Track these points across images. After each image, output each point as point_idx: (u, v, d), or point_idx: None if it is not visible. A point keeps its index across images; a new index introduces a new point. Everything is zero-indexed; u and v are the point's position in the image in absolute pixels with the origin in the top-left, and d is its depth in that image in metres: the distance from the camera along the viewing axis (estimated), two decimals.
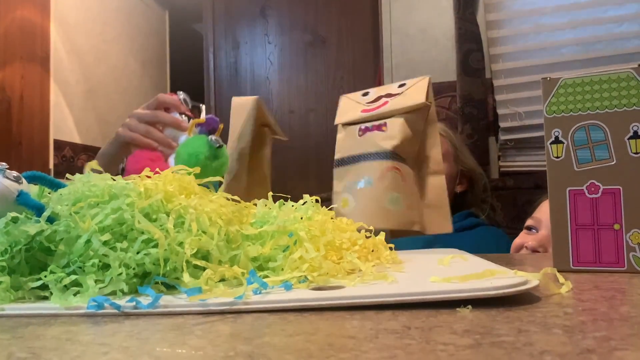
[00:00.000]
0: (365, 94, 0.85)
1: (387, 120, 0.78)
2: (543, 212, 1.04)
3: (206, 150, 0.64)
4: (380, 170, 0.75)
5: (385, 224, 0.72)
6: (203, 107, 3.27)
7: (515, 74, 1.85)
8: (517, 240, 1.03)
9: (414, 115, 0.78)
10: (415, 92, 0.79)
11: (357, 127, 0.80)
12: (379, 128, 0.78)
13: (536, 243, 0.99)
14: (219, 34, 2.71)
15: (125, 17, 3.17)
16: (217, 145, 0.65)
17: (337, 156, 0.80)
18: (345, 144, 0.81)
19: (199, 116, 0.82)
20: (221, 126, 0.74)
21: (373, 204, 0.74)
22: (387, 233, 0.68)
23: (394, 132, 0.77)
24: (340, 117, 0.83)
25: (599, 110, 0.50)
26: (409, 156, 0.79)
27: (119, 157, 0.93)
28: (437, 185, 0.83)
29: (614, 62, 1.73)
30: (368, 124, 0.79)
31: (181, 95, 0.88)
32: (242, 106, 0.86)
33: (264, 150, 0.90)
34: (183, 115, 0.87)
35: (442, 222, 0.82)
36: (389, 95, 0.82)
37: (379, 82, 2.10)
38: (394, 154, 0.76)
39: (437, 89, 1.86)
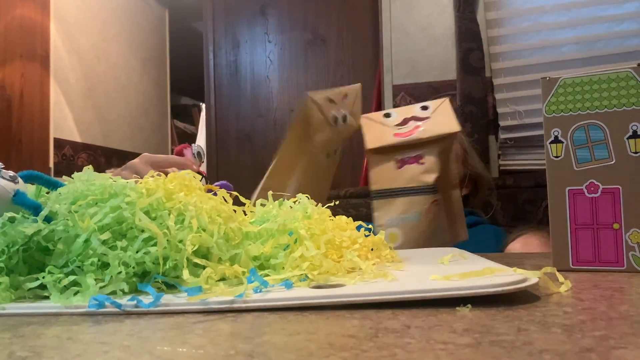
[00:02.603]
0: (387, 115, 0.85)
1: (422, 152, 0.80)
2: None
3: None
4: (426, 205, 0.78)
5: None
6: (203, 105, 3.26)
7: (515, 73, 1.85)
8: None
9: (446, 142, 0.80)
10: (444, 117, 0.81)
11: (393, 158, 0.81)
12: (416, 160, 0.80)
13: None
14: (219, 33, 2.71)
15: (125, 16, 3.16)
16: None
17: (375, 187, 0.81)
18: (382, 175, 0.81)
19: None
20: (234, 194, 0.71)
21: (421, 236, 0.77)
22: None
23: (432, 165, 0.79)
24: (373, 142, 0.82)
25: (598, 109, 0.50)
26: (441, 182, 0.81)
27: None
28: (456, 197, 0.87)
29: (614, 60, 1.73)
30: (405, 156, 0.80)
31: (195, 148, 0.79)
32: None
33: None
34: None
35: (461, 230, 0.87)
36: (416, 119, 0.82)
37: (378, 81, 2.09)
38: (434, 188, 0.79)
39: (437, 88, 1.86)
